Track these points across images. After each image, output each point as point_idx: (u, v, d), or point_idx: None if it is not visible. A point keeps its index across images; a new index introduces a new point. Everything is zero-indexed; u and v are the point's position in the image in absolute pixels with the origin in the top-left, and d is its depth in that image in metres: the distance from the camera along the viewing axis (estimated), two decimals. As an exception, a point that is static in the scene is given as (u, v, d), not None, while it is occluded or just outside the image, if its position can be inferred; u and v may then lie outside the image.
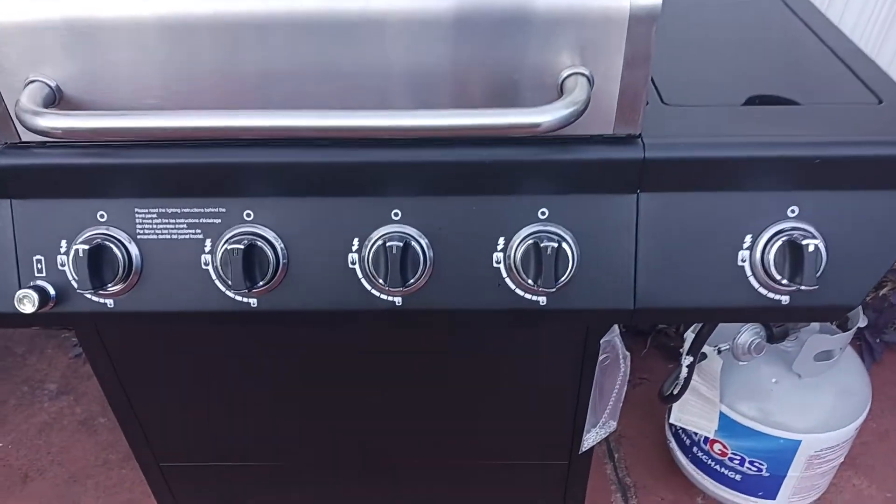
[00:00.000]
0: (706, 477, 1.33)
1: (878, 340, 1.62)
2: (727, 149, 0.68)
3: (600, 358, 0.84)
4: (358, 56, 0.64)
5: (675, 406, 1.26)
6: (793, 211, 0.70)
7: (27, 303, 0.69)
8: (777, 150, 0.68)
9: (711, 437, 1.25)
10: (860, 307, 1.16)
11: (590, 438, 0.92)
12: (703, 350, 1.16)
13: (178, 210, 0.71)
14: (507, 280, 0.71)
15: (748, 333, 1.14)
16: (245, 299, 0.72)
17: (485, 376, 0.92)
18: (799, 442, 1.18)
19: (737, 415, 1.20)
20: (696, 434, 1.30)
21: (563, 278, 0.69)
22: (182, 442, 1.01)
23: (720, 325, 1.22)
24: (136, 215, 0.71)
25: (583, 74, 0.63)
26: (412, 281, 0.70)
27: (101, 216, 0.71)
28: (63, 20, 0.62)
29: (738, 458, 1.24)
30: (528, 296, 0.71)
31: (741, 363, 1.19)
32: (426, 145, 0.68)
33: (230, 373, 0.92)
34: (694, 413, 1.24)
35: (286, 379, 0.93)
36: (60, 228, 0.71)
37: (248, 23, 0.62)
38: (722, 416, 1.22)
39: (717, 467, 1.29)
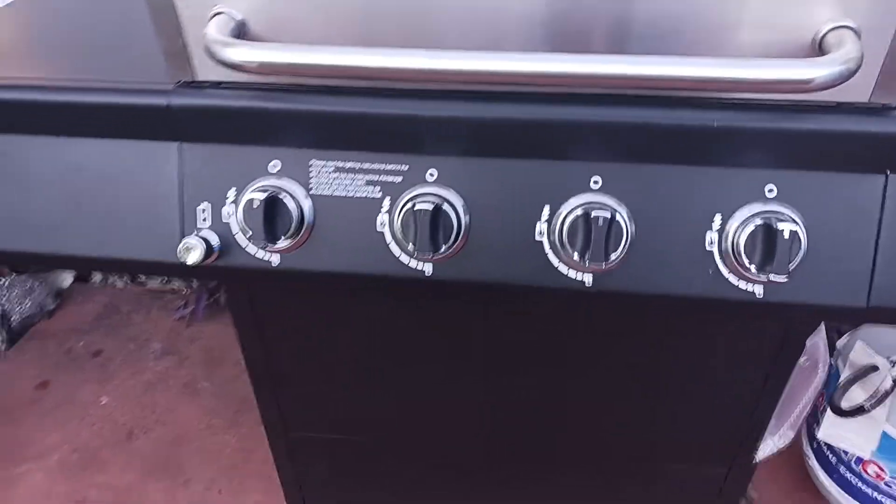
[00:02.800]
0: (852, 501, 1.21)
1: None
2: None
3: (801, 360, 0.74)
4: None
5: (827, 420, 1.14)
6: None
7: (194, 253, 0.64)
8: None
9: (867, 458, 1.14)
10: None
11: (767, 448, 0.83)
12: (873, 362, 1.05)
13: (357, 165, 0.64)
14: (721, 266, 0.62)
15: (927, 346, 1.02)
16: (420, 265, 0.65)
17: (657, 369, 0.83)
18: (974, 472, 1.05)
19: (902, 436, 1.09)
20: (846, 453, 1.18)
21: (791, 266, 0.60)
22: (313, 412, 0.96)
23: (870, 332, 1.11)
24: (312, 168, 0.65)
25: (850, 28, 0.54)
26: (613, 257, 0.62)
27: (275, 166, 0.65)
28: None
29: (898, 483, 1.13)
30: (742, 284, 0.62)
31: (911, 379, 1.07)
32: (638, 104, 0.60)
33: (377, 346, 0.87)
34: (850, 429, 1.12)
35: (434, 356, 0.87)
36: (230, 176, 0.66)
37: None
38: (884, 435, 1.10)
39: (869, 491, 1.17)
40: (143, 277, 1.85)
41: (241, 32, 0.60)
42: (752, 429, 0.83)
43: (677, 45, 0.57)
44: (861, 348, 1.08)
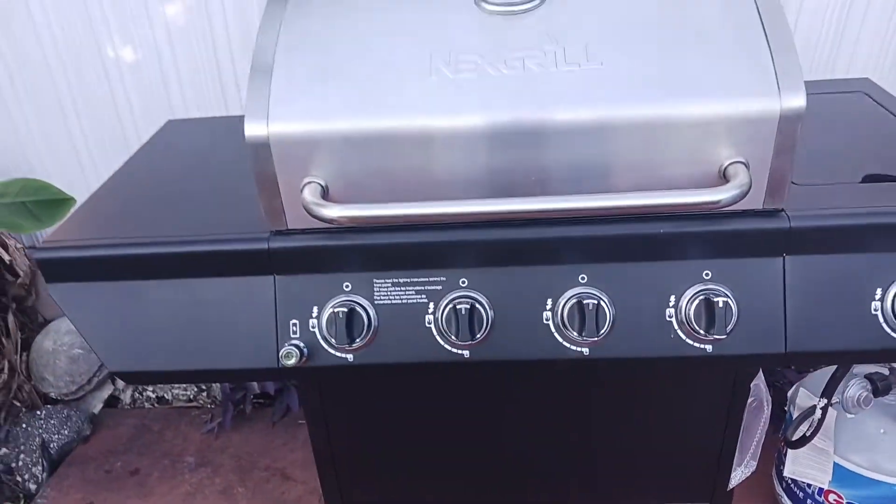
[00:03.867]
0: (821, 528, 1.41)
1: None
2: (858, 218, 0.84)
3: (749, 400, 0.97)
4: (559, 156, 0.82)
5: (789, 459, 1.36)
6: (915, 266, 0.84)
7: (292, 358, 0.86)
8: (898, 217, 0.84)
9: (826, 487, 1.35)
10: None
11: (736, 477, 1.04)
12: (814, 404, 1.28)
13: (409, 280, 0.88)
14: (679, 332, 0.86)
15: (856, 387, 1.26)
16: (460, 351, 0.88)
17: (640, 423, 1.05)
18: (911, 488, 1.27)
19: (850, 464, 1.30)
20: (809, 486, 1.39)
21: (728, 328, 0.84)
22: (366, 485, 1.14)
23: (813, 379, 1.35)
24: (375, 285, 0.88)
25: (742, 163, 0.80)
26: (601, 333, 0.85)
27: (347, 286, 0.88)
28: (341, 135, 0.81)
29: (853, 507, 1.34)
30: (696, 344, 0.86)
31: (850, 416, 1.31)
32: (607, 222, 0.85)
33: (422, 426, 1.07)
34: (808, 465, 1.34)
35: (468, 428, 1.08)
36: (313, 297, 0.88)
37: (470, 138, 0.80)
38: (835, 466, 1.31)
39: (832, 518, 1.37)
40: (169, 396, 2.01)
41: (325, 194, 0.84)
42: (723, 461, 1.05)
43: (635, 179, 0.82)
44: (804, 393, 1.31)
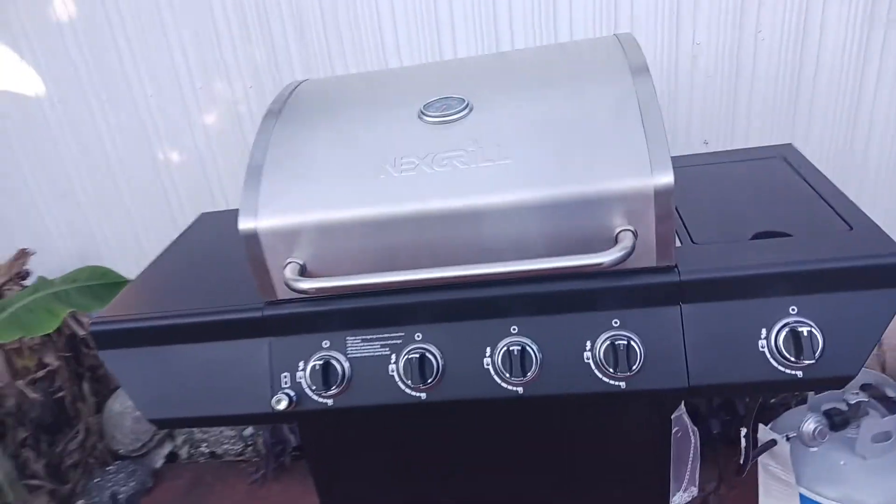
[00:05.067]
0: (800, 558, 1.49)
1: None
2: (738, 271, 1.00)
3: (673, 431, 1.12)
4: (482, 232, 1.02)
5: (761, 493, 1.46)
6: (793, 309, 0.99)
7: (283, 403, 1.07)
8: (778, 268, 0.99)
9: (797, 518, 1.44)
10: (907, 394, 1.37)
11: (676, 501, 1.17)
12: (773, 438, 1.40)
13: (375, 336, 1.08)
14: (596, 371, 1.03)
15: (811, 422, 1.38)
16: (418, 394, 1.07)
17: (585, 459, 1.21)
18: (873, 516, 1.36)
19: (815, 495, 1.40)
20: (784, 518, 1.49)
21: (634, 367, 1.00)
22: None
23: (788, 415, 1.47)
24: (348, 342, 1.09)
25: (629, 230, 0.98)
26: (529, 374, 1.03)
27: (325, 344, 1.09)
28: (312, 225, 1.03)
29: (824, 536, 1.42)
30: (611, 381, 1.03)
31: (811, 449, 1.41)
32: (531, 282, 1.04)
33: (399, 457, 1.26)
34: (778, 497, 1.44)
35: (433, 460, 1.25)
36: (298, 354, 1.10)
37: (411, 221, 1.01)
38: (803, 497, 1.41)
39: (808, 547, 1.46)
40: (220, 451, 2.25)
41: (304, 271, 1.06)
42: (662, 489, 1.18)
43: (549, 247, 1.00)
44: (763, 429, 1.43)
